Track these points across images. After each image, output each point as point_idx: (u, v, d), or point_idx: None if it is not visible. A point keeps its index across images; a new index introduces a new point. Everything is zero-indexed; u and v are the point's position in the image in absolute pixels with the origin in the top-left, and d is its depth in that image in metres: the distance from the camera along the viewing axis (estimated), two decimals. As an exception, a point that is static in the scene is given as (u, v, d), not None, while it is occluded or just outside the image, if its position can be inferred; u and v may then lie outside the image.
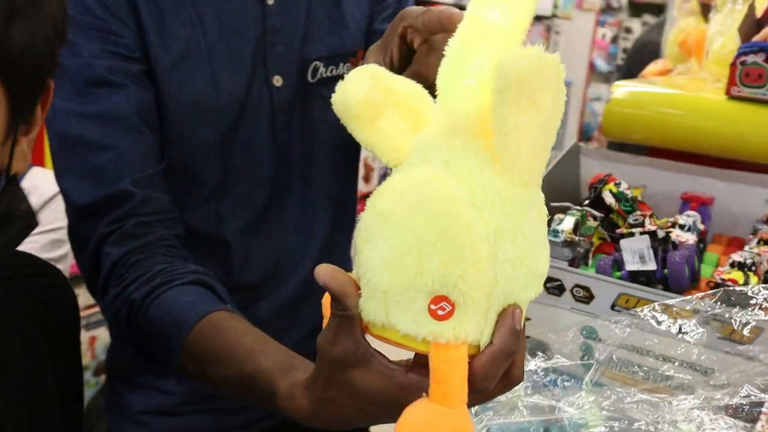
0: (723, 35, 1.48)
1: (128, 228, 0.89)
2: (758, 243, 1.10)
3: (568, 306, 1.04)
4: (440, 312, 0.53)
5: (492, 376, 0.56)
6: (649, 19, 7.71)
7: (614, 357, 0.84)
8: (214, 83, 0.97)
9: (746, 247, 1.10)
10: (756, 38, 1.28)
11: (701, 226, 1.16)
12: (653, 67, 2.01)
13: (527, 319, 0.63)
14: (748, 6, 1.35)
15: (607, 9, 7.53)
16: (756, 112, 1.29)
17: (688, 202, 1.24)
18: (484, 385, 0.56)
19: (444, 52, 0.59)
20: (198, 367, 0.79)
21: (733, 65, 1.27)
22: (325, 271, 0.56)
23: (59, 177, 0.94)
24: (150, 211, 0.91)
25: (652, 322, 0.83)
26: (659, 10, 7.54)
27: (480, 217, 0.53)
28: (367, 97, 0.59)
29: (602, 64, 7.07)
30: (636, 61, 2.38)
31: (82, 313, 2.64)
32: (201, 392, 1.09)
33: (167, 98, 0.95)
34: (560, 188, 1.28)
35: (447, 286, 0.52)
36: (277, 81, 1.02)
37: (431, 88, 0.76)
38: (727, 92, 1.30)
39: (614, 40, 7.65)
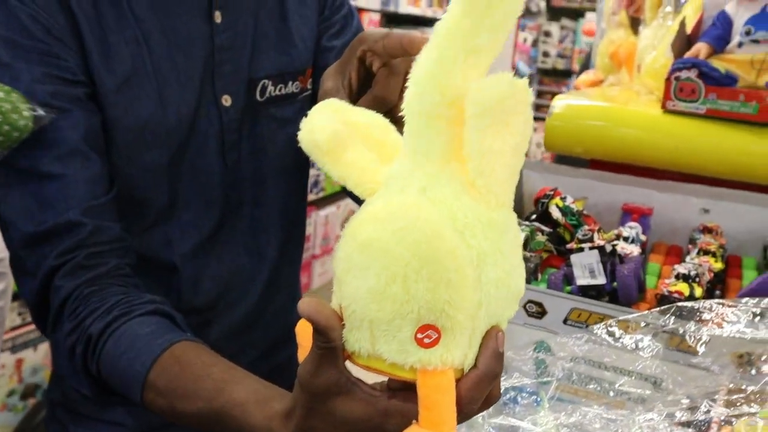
0: (654, 49, 1.53)
1: (80, 260, 0.86)
2: (698, 253, 1.14)
3: (521, 321, 1.05)
4: (426, 340, 0.53)
5: (478, 398, 0.57)
6: (567, 23, 7.92)
7: (573, 374, 0.86)
8: (161, 104, 0.94)
9: (687, 258, 1.13)
10: (688, 54, 1.33)
11: (643, 237, 1.19)
12: (585, 77, 2.07)
13: None
14: (679, 23, 1.40)
15: (527, 13, 7.70)
16: (690, 125, 1.35)
17: (628, 213, 1.28)
18: (470, 408, 0.57)
19: (405, 77, 0.58)
20: (164, 402, 0.77)
21: (667, 80, 1.32)
22: (309, 305, 0.55)
23: (0, 204, 0.90)
24: (101, 241, 0.88)
25: (608, 338, 0.85)
26: (577, 14, 7.77)
27: (463, 241, 0.53)
28: (334, 132, 0.58)
29: (524, 67, 7.22)
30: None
31: (8, 335, 2.46)
32: (151, 422, 1.05)
33: (113, 121, 0.92)
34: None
35: (434, 312, 0.52)
36: (226, 101, 1.00)
37: (392, 111, 0.76)
38: (663, 106, 1.35)
39: (534, 43, 7.83)
